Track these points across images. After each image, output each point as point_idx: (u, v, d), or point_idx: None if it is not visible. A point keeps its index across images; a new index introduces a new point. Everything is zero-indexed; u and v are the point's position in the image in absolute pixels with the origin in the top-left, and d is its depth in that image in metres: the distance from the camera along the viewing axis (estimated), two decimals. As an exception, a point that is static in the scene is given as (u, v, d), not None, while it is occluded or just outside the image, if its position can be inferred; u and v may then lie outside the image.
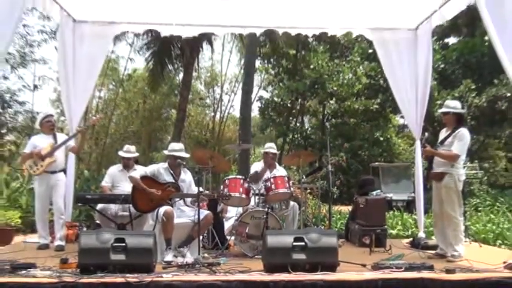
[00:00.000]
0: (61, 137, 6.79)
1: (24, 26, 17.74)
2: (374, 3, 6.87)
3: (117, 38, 16.37)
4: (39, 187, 6.60)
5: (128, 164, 7.12)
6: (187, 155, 6.17)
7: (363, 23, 7.70)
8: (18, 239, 7.46)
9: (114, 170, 7.29)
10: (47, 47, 19.14)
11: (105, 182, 7.19)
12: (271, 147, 7.21)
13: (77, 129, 6.96)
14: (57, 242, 6.47)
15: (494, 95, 18.17)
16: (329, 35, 8.35)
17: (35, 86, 20.16)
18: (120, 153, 7.28)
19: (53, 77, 20.50)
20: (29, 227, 8.29)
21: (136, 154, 7.33)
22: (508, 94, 17.27)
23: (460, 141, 5.77)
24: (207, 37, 16.83)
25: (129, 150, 7.21)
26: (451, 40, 23.35)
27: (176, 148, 6.14)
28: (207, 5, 7.00)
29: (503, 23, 4.89)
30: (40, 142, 6.62)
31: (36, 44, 18.94)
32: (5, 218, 7.40)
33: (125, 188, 6.69)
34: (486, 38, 15.80)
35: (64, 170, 6.78)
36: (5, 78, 18.64)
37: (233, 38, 19.66)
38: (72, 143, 6.83)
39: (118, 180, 7.09)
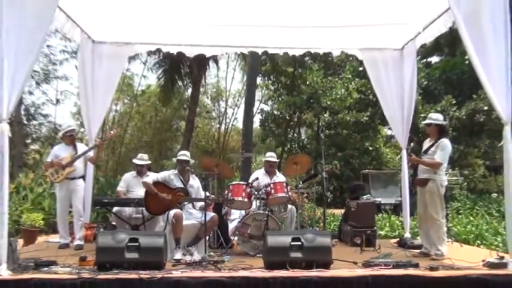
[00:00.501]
0: (81, 147, 6.80)
1: (47, 46, 18.00)
2: (364, 26, 6.91)
3: (132, 57, 16.46)
4: (60, 192, 6.60)
5: (141, 171, 7.12)
6: (188, 158, 6.14)
7: (354, 44, 7.74)
8: (41, 239, 7.44)
9: (129, 176, 7.30)
10: (68, 65, 19.44)
11: (121, 187, 7.20)
12: (271, 156, 7.22)
13: (95, 142, 6.99)
14: (77, 242, 6.47)
15: (473, 108, 18.16)
16: (322, 52, 8.42)
17: (57, 100, 20.38)
18: (134, 160, 7.30)
19: (74, 92, 20.73)
20: (51, 228, 8.27)
21: (149, 162, 7.35)
22: (486, 108, 17.22)
23: (442, 150, 5.76)
24: (213, 56, 16.86)
25: (142, 158, 7.22)
26: (434, 59, 23.38)
27: (180, 153, 6.23)
28: (212, 28, 7.06)
29: (482, 43, 4.89)
30: (61, 152, 6.64)
31: (59, 63, 19.24)
32: (30, 219, 7.40)
33: (139, 192, 6.70)
34: (466, 57, 15.84)
35: (83, 177, 6.78)
36: (30, 93, 18.95)
37: (237, 57, 19.65)
38: (90, 153, 6.84)
39: (132, 185, 7.10)
